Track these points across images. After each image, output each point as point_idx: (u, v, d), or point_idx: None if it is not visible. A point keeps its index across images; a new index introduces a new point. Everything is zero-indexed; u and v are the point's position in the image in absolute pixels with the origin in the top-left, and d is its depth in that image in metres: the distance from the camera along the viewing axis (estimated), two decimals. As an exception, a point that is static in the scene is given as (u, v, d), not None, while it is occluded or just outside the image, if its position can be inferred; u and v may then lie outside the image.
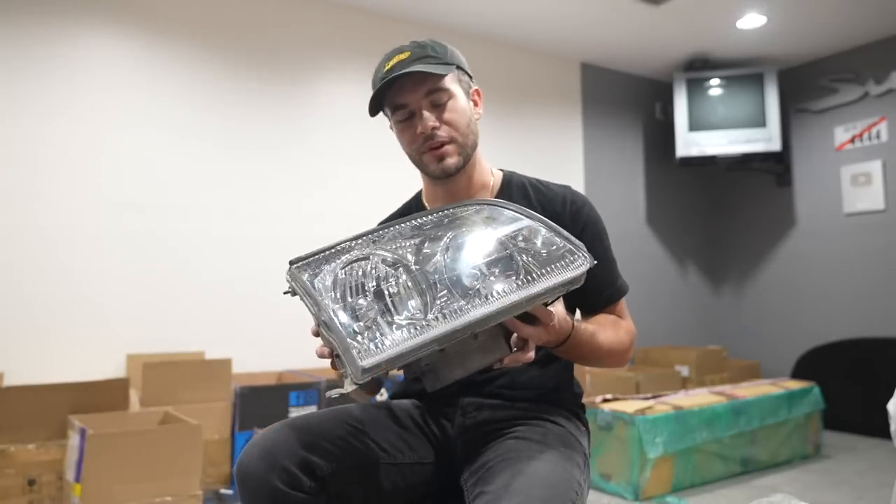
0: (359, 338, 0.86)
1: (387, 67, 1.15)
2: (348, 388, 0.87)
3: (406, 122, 1.18)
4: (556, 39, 4.37)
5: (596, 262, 0.97)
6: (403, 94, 1.15)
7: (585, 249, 0.97)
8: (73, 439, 2.25)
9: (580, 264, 0.95)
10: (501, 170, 1.33)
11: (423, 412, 1.22)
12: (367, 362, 0.84)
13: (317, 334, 0.96)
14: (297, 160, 3.60)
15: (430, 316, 0.88)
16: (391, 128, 1.25)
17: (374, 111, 1.20)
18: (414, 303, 0.90)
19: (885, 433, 3.39)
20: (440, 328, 0.87)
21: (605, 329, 1.16)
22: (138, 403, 2.77)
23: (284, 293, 1.02)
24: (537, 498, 0.90)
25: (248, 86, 3.50)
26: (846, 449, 3.79)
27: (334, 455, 1.04)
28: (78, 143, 3.05)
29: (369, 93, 1.19)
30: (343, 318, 0.89)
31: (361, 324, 0.88)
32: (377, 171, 3.78)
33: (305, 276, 0.98)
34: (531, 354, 0.96)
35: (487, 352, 0.95)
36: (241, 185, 3.44)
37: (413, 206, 1.35)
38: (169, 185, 3.25)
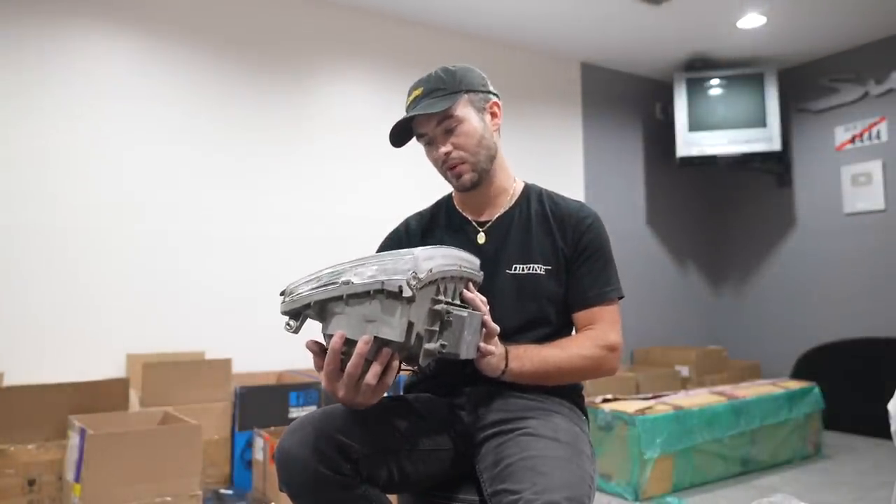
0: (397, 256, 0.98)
1: (406, 104, 1.36)
2: (407, 294, 0.92)
3: (428, 147, 1.37)
4: (556, 39, 4.37)
5: (481, 273, 1.24)
6: (420, 125, 1.34)
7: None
8: (73, 439, 2.25)
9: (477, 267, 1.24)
10: (524, 181, 1.46)
11: (436, 403, 1.30)
12: (421, 253, 0.95)
13: (339, 349, 0.96)
14: (297, 160, 3.60)
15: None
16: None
17: (400, 142, 1.38)
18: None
19: (885, 433, 3.39)
20: (455, 251, 1.12)
21: (562, 344, 1.28)
22: (138, 403, 2.77)
23: (286, 326, 0.98)
24: (563, 499, 0.98)
25: (249, 86, 3.50)
26: (846, 449, 3.79)
27: (365, 440, 1.10)
28: (77, 143, 3.06)
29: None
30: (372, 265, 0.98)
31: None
32: (377, 172, 3.78)
33: (305, 289, 0.98)
34: (492, 348, 1.16)
35: (476, 345, 1.13)
36: (242, 185, 3.44)
37: (443, 208, 1.47)
38: (169, 185, 3.26)
